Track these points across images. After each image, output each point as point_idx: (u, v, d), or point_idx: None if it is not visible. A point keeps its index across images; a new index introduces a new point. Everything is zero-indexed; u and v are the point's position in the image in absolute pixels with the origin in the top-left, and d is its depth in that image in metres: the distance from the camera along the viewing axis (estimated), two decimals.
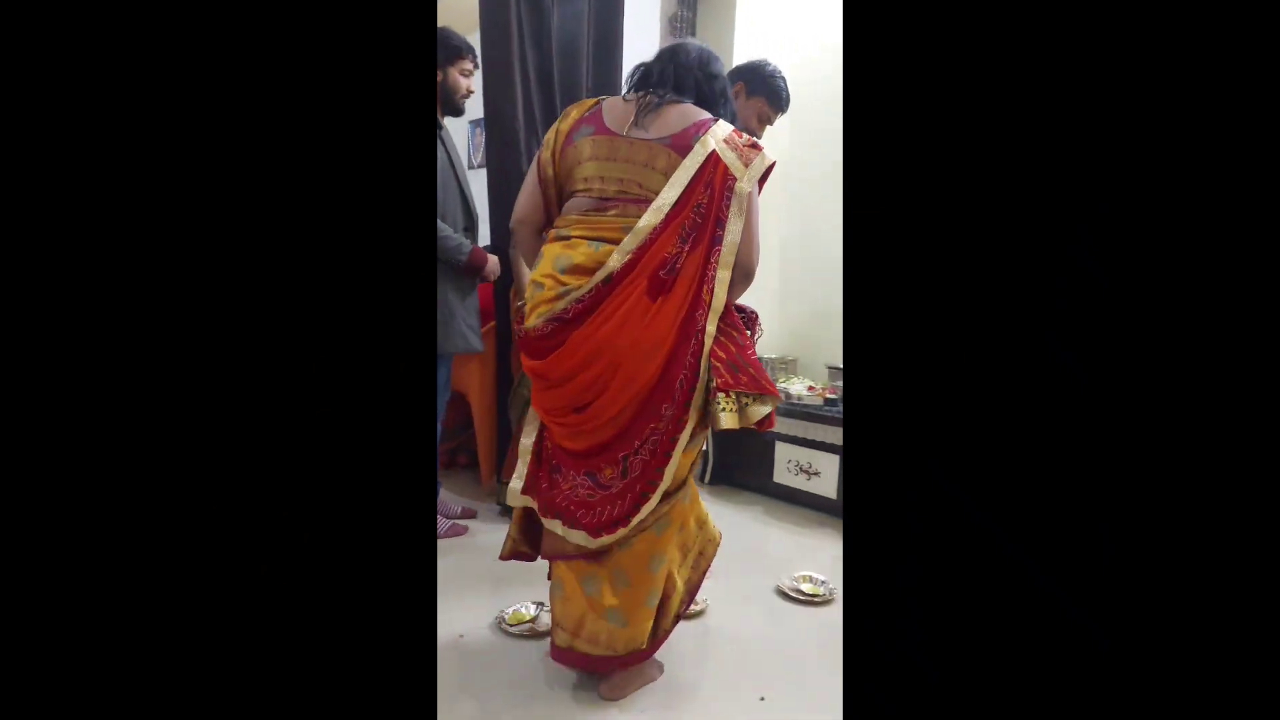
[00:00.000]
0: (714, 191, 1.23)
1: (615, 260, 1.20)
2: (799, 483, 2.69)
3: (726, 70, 1.45)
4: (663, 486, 1.25)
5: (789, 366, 3.22)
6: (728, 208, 1.24)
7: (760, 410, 1.26)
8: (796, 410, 2.71)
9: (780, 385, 2.92)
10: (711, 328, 1.23)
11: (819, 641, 1.67)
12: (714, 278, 1.23)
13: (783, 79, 1.81)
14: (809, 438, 2.64)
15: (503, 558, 1.48)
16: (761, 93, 1.79)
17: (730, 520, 2.56)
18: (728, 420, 1.23)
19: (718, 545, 1.48)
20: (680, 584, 1.38)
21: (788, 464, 2.73)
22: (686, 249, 1.22)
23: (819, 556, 2.24)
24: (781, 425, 2.73)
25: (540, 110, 2.58)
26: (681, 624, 1.69)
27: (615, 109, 1.31)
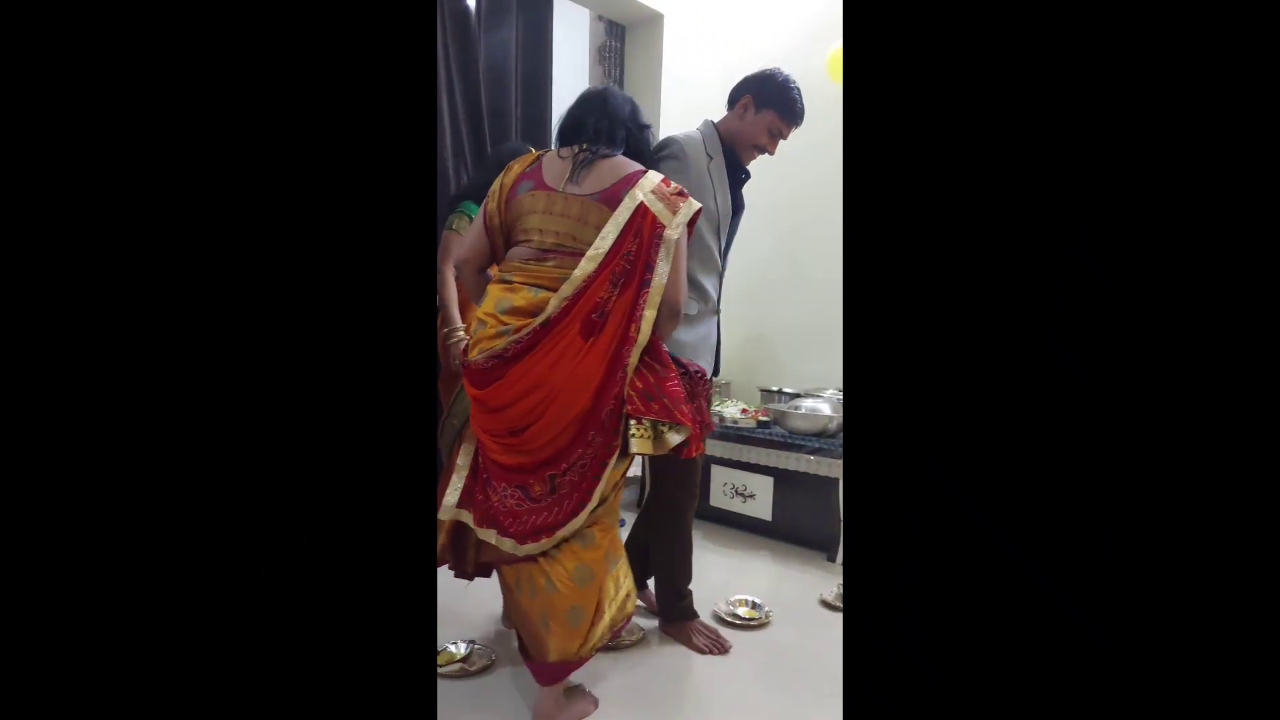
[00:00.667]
0: (643, 239, 1.35)
1: (553, 305, 1.32)
2: (735, 505, 2.71)
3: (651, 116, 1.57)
4: (588, 507, 1.35)
5: (722, 390, 3.26)
6: (656, 253, 1.36)
7: (675, 437, 1.37)
8: (730, 433, 2.74)
9: (713, 409, 2.95)
10: (634, 360, 1.34)
11: (757, 665, 1.67)
12: (641, 317, 1.35)
13: (797, 89, 1.71)
14: (743, 460, 2.66)
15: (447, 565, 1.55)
16: (772, 105, 1.69)
17: None
18: (638, 445, 1.34)
19: (631, 611, 1.49)
20: (606, 617, 1.42)
21: (723, 487, 2.75)
22: (616, 293, 1.34)
23: (756, 579, 2.25)
24: (716, 449, 2.75)
25: (469, 139, 2.57)
26: (620, 653, 1.67)
27: (553, 164, 1.43)
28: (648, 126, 1.50)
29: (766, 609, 1.94)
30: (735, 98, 1.73)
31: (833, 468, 2.41)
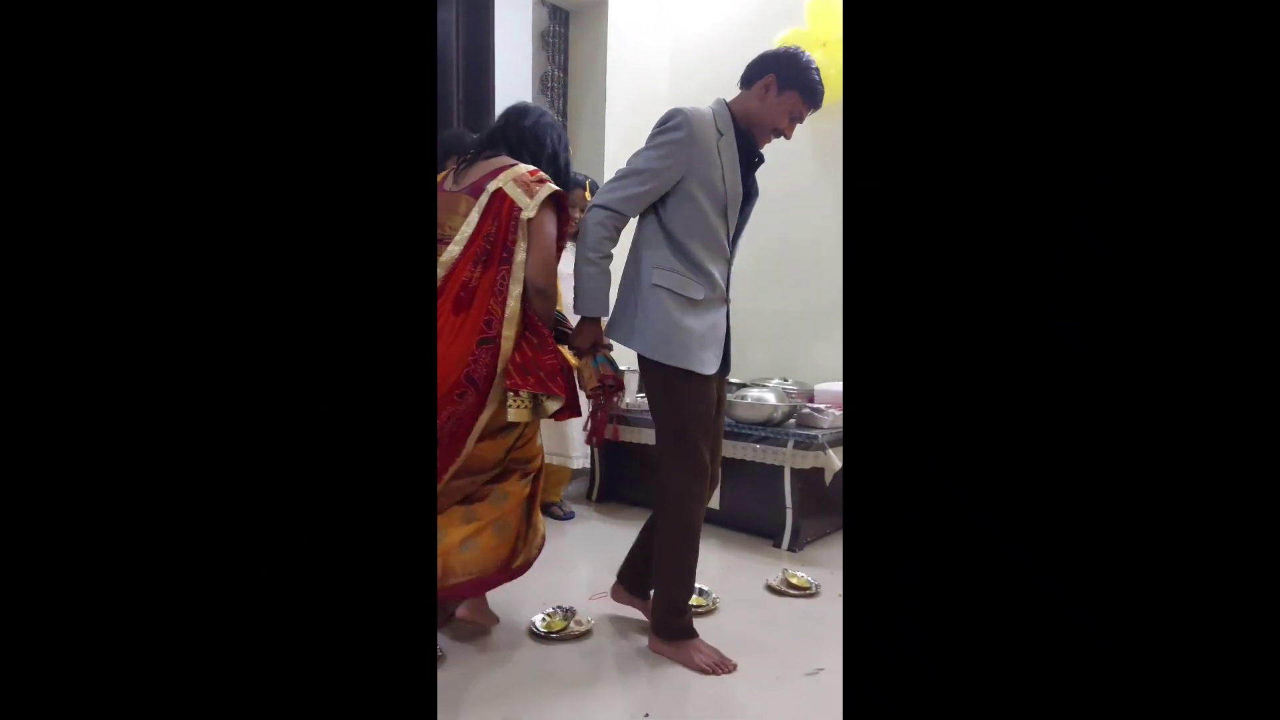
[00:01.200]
0: (501, 221, 1.52)
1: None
2: None
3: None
4: (461, 459, 1.52)
5: None
6: (514, 234, 1.52)
7: (552, 405, 1.54)
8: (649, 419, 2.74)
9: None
10: (509, 332, 1.51)
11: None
12: (506, 291, 1.52)
13: (817, 70, 1.59)
14: None
15: None
16: (795, 86, 1.57)
17: (617, 536, 2.55)
18: (515, 414, 1.51)
19: (538, 550, 1.67)
20: (533, 538, 1.64)
21: None
22: (479, 272, 1.51)
23: (704, 567, 2.27)
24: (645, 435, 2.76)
25: None
26: (569, 643, 1.66)
27: (453, 172, 1.64)
28: (528, 124, 1.64)
29: (714, 595, 1.96)
30: (755, 76, 1.60)
31: (779, 456, 2.44)
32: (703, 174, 1.53)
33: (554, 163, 1.66)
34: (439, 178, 1.64)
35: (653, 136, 1.56)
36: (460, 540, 1.53)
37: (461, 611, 1.75)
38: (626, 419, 2.91)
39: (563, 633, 1.70)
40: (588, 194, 2.62)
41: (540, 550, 1.67)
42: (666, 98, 3.55)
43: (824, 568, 2.30)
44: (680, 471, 1.57)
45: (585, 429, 1.74)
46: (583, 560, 2.36)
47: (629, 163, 1.57)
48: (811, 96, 1.59)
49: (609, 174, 3.16)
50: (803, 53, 1.60)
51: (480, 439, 1.53)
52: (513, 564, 1.60)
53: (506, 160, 1.58)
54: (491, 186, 1.53)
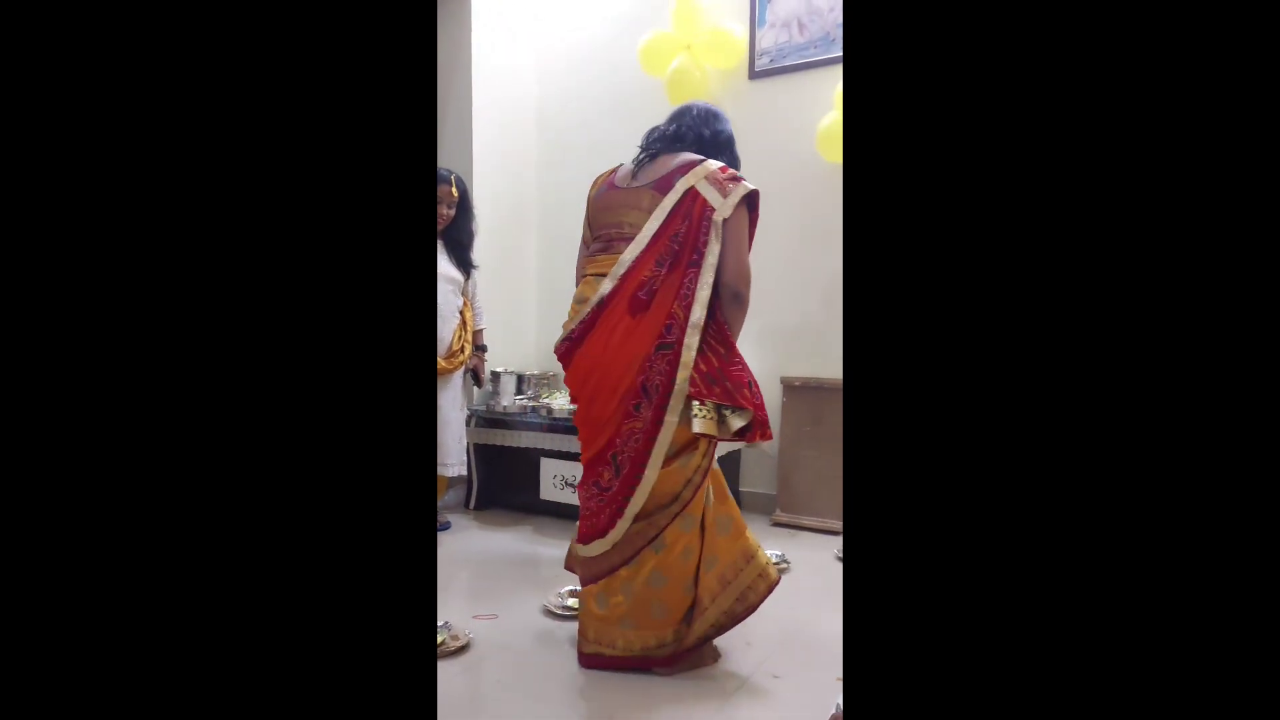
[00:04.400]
0: (692, 221, 1.43)
1: (605, 286, 1.46)
2: (565, 497, 2.69)
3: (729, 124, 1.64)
4: (642, 489, 1.41)
5: (550, 381, 3.23)
6: (706, 235, 1.42)
7: (737, 421, 1.42)
8: (560, 425, 2.72)
9: (542, 400, 2.92)
10: (692, 341, 1.40)
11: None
12: (692, 296, 1.41)
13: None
14: (573, 451, 2.65)
15: (566, 567, 1.75)
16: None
17: (499, 543, 2.49)
18: (701, 425, 1.39)
19: (771, 585, 1.54)
20: (714, 611, 1.50)
21: (553, 479, 2.72)
22: (663, 272, 1.43)
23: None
24: (544, 441, 2.72)
25: None
26: (445, 660, 1.60)
27: (625, 169, 1.58)
28: (722, 132, 1.59)
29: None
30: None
31: None
32: None
33: (723, 151, 1.59)
34: (605, 179, 1.60)
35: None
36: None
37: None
38: (506, 423, 2.84)
39: (439, 648, 1.63)
40: (454, 190, 2.53)
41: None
42: (533, 95, 3.51)
43: None
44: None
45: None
46: (462, 572, 2.28)
47: None
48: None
49: (476, 170, 3.09)
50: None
51: (665, 463, 1.41)
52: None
53: (691, 156, 1.50)
54: (682, 184, 1.44)
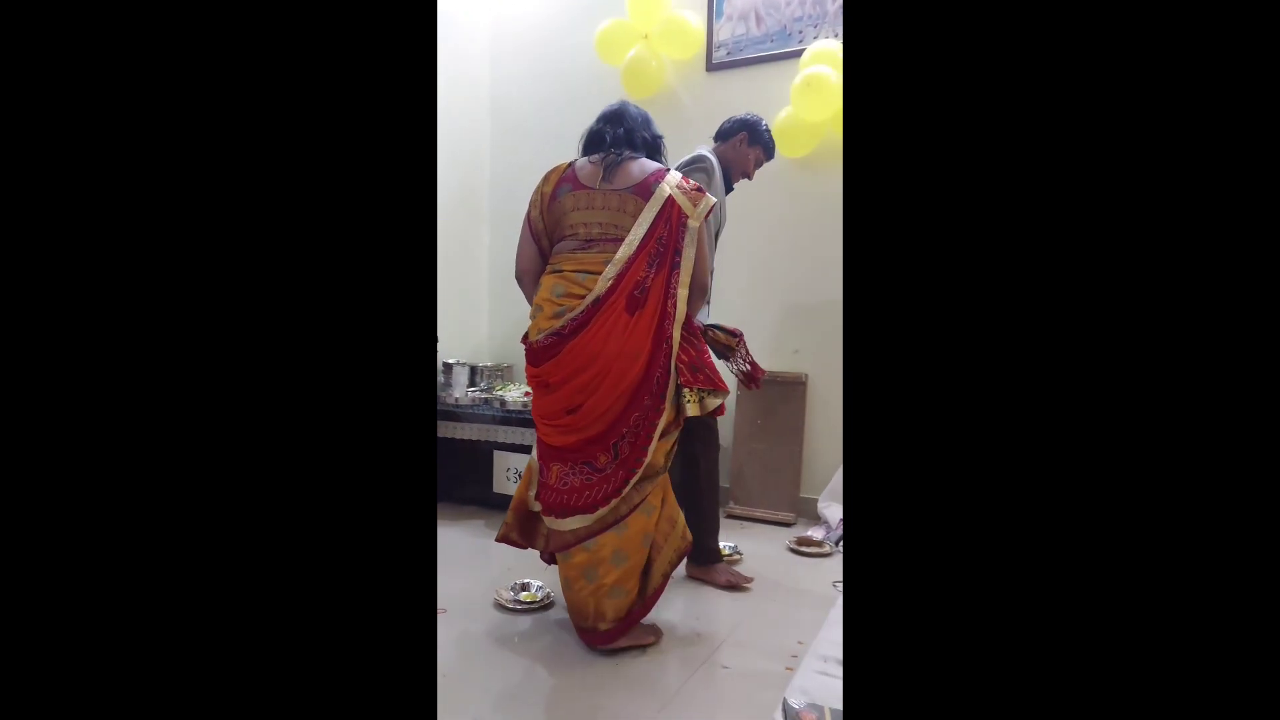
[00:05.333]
0: (671, 227, 1.60)
1: (601, 284, 1.56)
2: None
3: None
4: (644, 461, 1.58)
5: (504, 374, 3.19)
6: (683, 239, 1.60)
7: (714, 401, 1.65)
8: (513, 417, 2.69)
9: (496, 392, 2.88)
10: (677, 335, 1.60)
11: (541, 647, 1.66)
12: (675, 295, 1.59)
13: (770, 133, 2.19)
14: (526, 444, 2.63)
15: (497, 539, 1.85)
16: (759, 143, 2.15)
17: (449, 537, 2.45)
18: (692, 409, 1.61)
19: (687, 549, 1.78)
20: (658, 574, 1.69)
21: (506, 472, 2.69)
22: (653, 273, 1.58)
23: (540, 563, 2.24)
24: (498, 434, 2.69)
25: None
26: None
27: (585, 168, 1.67)
28: (659, 135, 1.76)
29: (547, 590, 1.93)
30: (733, 132, 2.13)
31: None
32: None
33: (661, 159, 1.78)
34: (559, 177, 1.69)
35: (685, 173, 1.86)
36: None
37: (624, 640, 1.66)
38: (458, 415, 2.80)
39: None
40: None
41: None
42: (487, 80, 3.45)
43: None
44: (713, 441, 2.07)
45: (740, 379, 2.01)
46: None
47: None
48: (769, 151, 2.20)
49: None
50: (761, 120, 2.15)
51: (658, 441, 1.60)
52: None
53: (655, 164, 1.68)
54: (661, 190, 1.61)
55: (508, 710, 1.41)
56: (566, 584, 1.67)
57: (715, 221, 1.97)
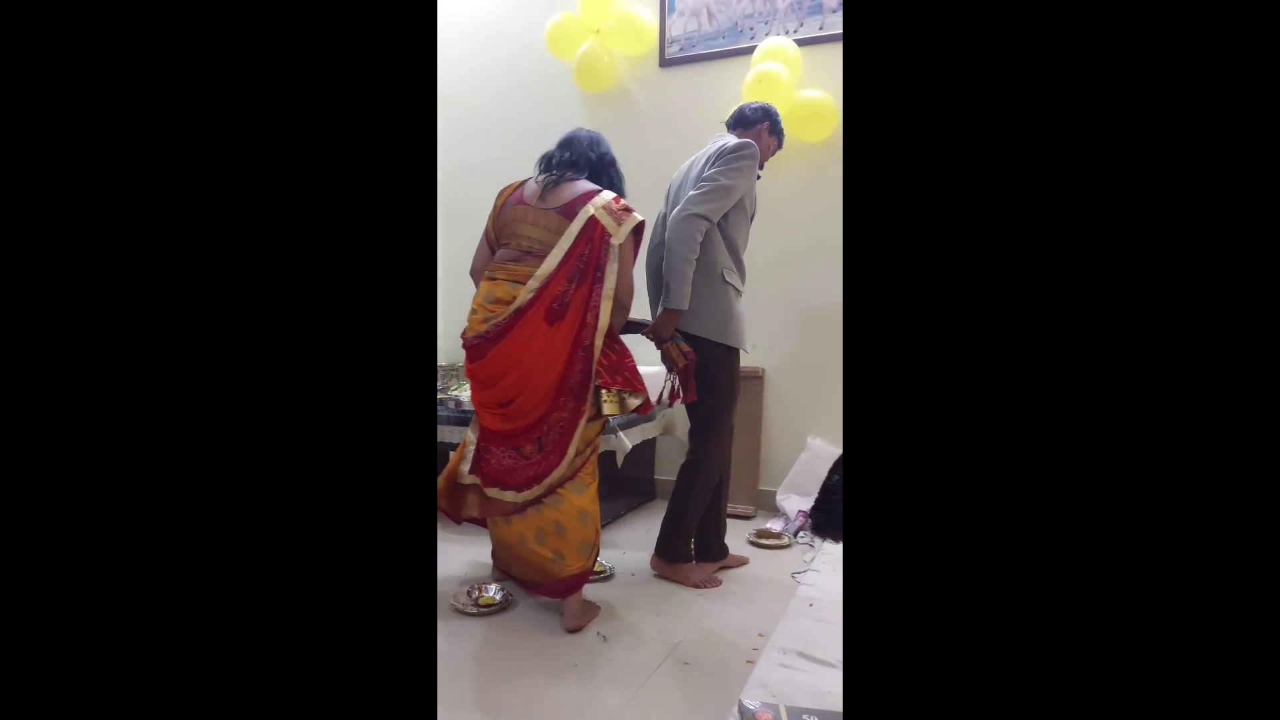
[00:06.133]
0: (594, 245, 1.73)
1: (524, 296, 1.72)
2: None
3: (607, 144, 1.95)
4: (566, 458, 1.76)
5: (458, 373, 3.14)
6: (605, 256, 1.73)
7: (634, 401, 1.79)
8: (467, 417, 2.65)
9: (451, 392, 2.84)
10: (598, 343, 1.73)
11: (501, 649, 1.64)
12: (597, 307, 1.73)
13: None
14: None
15: (441, 509, 1.98)
16: (777, 133, 2.15)
17: None
18: (608, 408, 1.77)
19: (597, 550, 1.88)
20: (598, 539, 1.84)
21: None
22: (573, 288, 1.72)
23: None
24: (453, 434, 2.65)
25: None
26: None
27: (530, 186, 1.83)
28: (605, 153, 1.90)
29: (506, 592, 1.91)
30: (756, 120, 2.10)
31: None
32: (750, 193, 2.00)
33: (615, 189, 1.88)
34: (511, 191, 1.86)
35: (730, 160, 1.92)
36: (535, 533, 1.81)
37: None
38: None
39: None
40: None
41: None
42: (438, 75, 3.38)
43: (616, 549, 2.34)
44: (723, 434, 2.07)
45: (668, 396, 2.03)
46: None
47: (713, 180, 1.91)
48: (781, 140, 2.19)
49: None
50: (776, 110, 2.16)
51: (580, 437, 1.76)
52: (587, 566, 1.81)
53: (591, 186, 1.80)
54: (584, 212, 1.73)
55: (467, 712, 1.39)
56: (520, 541, 1.85)
57: (750, 206, 2.05)
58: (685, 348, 1.95)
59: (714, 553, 2.15)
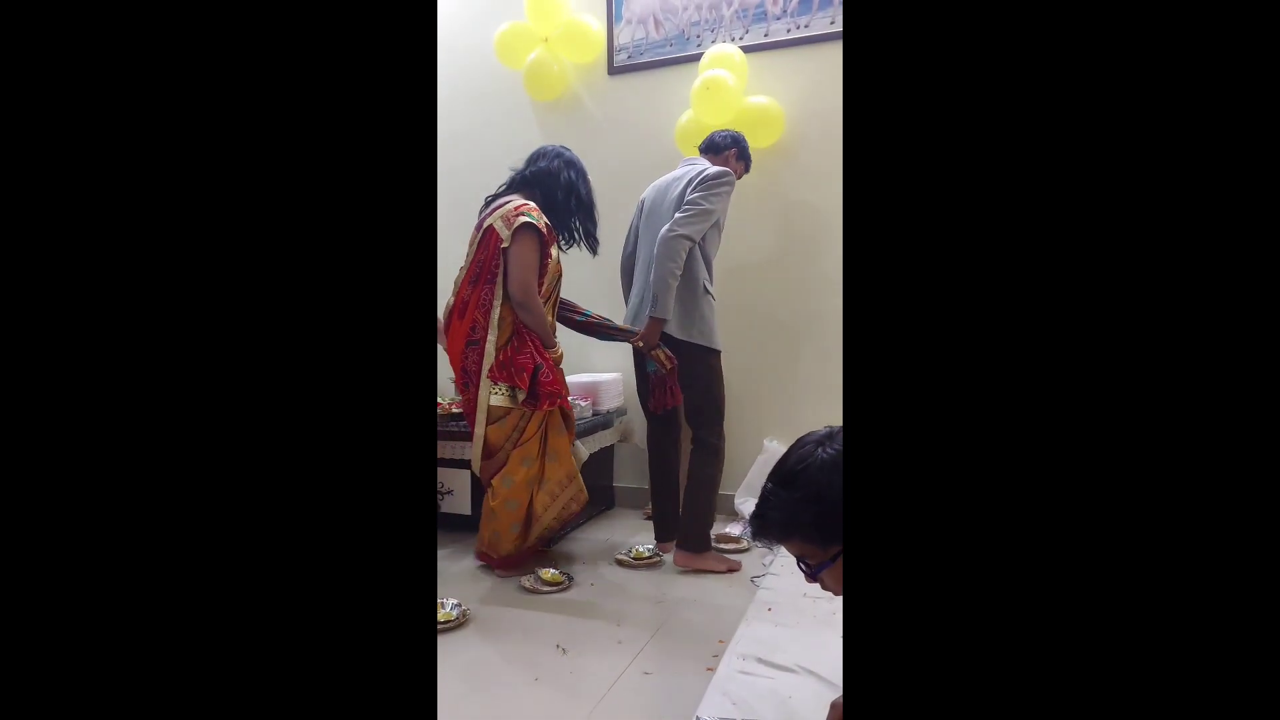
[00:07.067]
0: (489, 252, 2.07)
1: (450, 296, 2.17)
2: (449, 505, 2.58)
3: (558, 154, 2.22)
4: (475, 443, 2.11)
5: None
6: (497, 260, 2.05)
7: (521, 394, 2.05)
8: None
9: None
10: (492, 337, 2.05)
11: (459, 666, 1.61)
12: (490, 305, 2.06)
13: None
14: (439, 456, 2.55)
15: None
16: (744, 159, 2.36)
17: None
18: (495, 400, 2.05)
19: (584, 502, 2.22)
20: (546, 519, 2.16)
21: (439, 486, 2.60)
22: (472, 290, 2.10)
23: (455, 573, 2.18)
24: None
25: None
26: None
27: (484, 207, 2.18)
28: (539, 167, 2.16)
29: (463, 608, 1.88)
30: (725, 146, 2.31)
31: None
32: (725, 214, 2.22)
33: (571, 193, 2.14)
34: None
35: (712, 186, 2.12)
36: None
37: None
38: None
39: None
40: None
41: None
42: None
43: (576, 561, 2.32)
44: (718, 432, 2.24)
45: (663, 398, 2.19)
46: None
47: (695, 204, 2.11)
48: (749, 166, 2.41)
49: None
50: (744, 137, 2.36)
51: (487, 424, 2.08)
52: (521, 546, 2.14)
53: (507, 200, 2.09)
54: (485, 224, 2.08)
55: None
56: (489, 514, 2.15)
57: (722, 224, 2.26)
58: (668, 352, 2.15)
59: (694, 544, 2.27)
